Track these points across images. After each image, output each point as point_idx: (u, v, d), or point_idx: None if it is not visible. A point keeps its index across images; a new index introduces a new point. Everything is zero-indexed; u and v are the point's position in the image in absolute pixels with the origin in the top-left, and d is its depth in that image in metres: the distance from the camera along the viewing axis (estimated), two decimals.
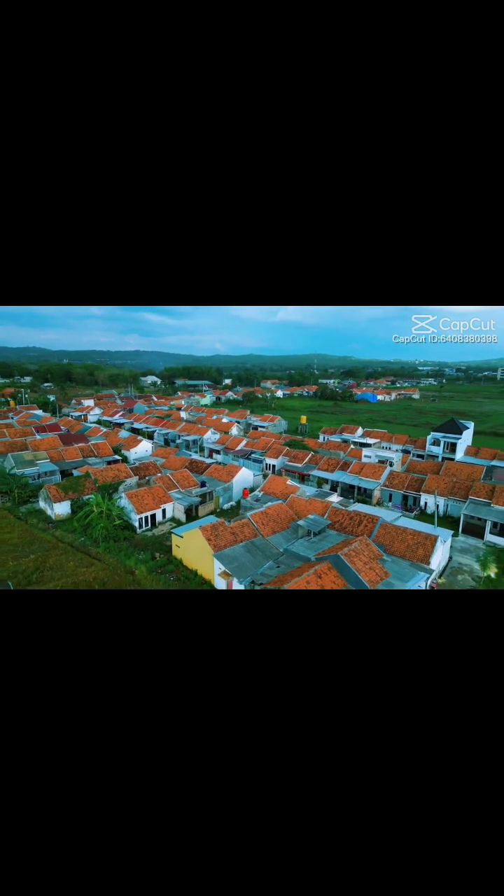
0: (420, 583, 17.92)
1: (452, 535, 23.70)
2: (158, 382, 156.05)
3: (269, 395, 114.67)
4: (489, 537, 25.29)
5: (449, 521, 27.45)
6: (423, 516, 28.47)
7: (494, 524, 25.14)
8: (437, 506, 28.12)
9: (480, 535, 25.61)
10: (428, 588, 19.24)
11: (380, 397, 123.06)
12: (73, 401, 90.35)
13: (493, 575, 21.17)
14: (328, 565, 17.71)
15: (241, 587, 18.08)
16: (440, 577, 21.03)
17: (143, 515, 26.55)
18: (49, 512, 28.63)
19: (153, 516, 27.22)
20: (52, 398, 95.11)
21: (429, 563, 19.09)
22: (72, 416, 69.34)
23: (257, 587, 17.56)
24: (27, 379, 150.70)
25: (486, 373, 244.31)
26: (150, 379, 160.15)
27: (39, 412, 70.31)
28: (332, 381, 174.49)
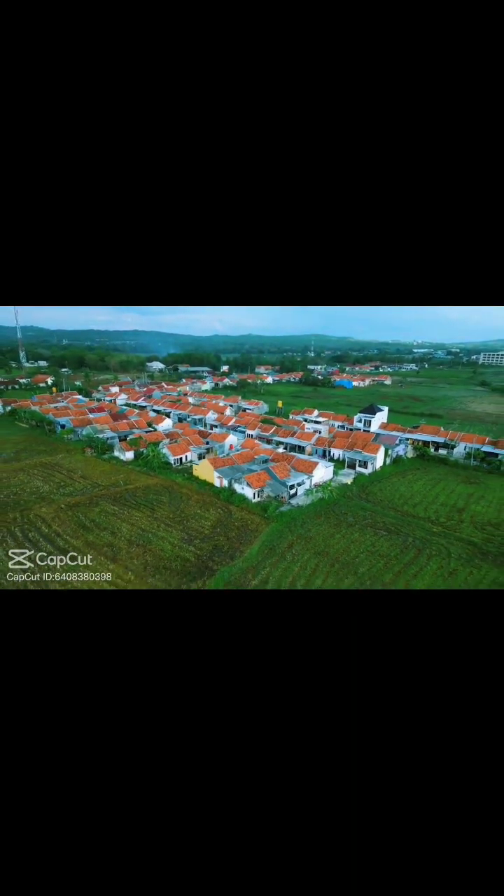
0: (304, 478, 40.62)
1: (339, 466, 46.39)
2: (163, 368, 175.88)
3: (259, 381, 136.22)
4: (359, 469, 47.89)
5: (343, 462, 49.92)
6: (333, 461, 50.96)
7: (360, 462, 47.77)
8: (328, 452, 50.63)
9: (354, 468, 48.21)
10: (313, 486, 41.63)
11: (355, 383, 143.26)
12: (101, 387, 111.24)
13: (349, 482, 43.71)
14: (264, 472, 40.28)
15: (226, 481, 40.60)
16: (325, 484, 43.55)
17: (176, 457, 49.23)
18: (122, 457, 50.97)
19: (181, 458, 49.74)
20: (77, 383, 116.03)
21: (311, 473, 41.73)
22: (106, 401, 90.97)
23: (234, 480, 40.00)
24: (42, 363, 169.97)
25: (473, 356, 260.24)
26: (155, 365, 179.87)
27: (80, 397, 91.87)
28: (319, 366, 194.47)
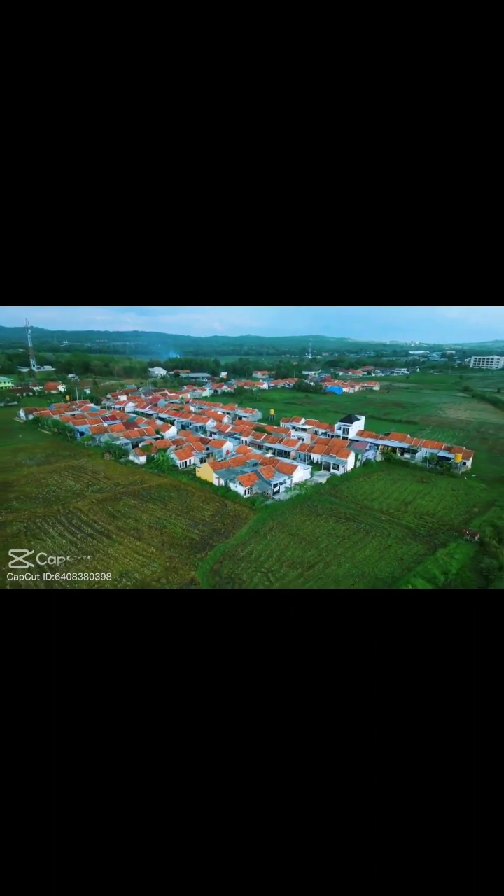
0: (286, 479, 50.69)
1: (316, 469, 56.39)
2: (165, 374, 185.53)
3: (255, 388, 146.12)
4: (333, 471, 57.91)
5: (320, 465, 59.88)
6: (312, 464, 60.94)
7: (333, 465, 57.84)
8: (307, 456, 60.70)
9: (329, 469, 58.22)
10: (293, 485, 51.58)
11: (345, 390, 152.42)
12: (109, 395, 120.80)
13: (323, 481, 53.66)
14: (253, 473, 50.33)
15: (223, 480, 50.56)
16: (302, 483, 53.42)
17: (182, 461, 59.25)
18: (136, 461, 60.92)
19: (186, 462, 59.79)
20: (87, 391, 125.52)
21: (291, 475, 51.77)
22: (116, 409, 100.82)
23: (229, 480, 49.92)
24: (48, 367, 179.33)
25: (467, 359, 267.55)
26: (158, 371, 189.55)
27: (92, 405, 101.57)
28: (312, 372, 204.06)
